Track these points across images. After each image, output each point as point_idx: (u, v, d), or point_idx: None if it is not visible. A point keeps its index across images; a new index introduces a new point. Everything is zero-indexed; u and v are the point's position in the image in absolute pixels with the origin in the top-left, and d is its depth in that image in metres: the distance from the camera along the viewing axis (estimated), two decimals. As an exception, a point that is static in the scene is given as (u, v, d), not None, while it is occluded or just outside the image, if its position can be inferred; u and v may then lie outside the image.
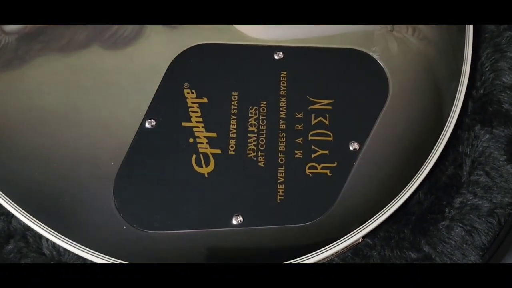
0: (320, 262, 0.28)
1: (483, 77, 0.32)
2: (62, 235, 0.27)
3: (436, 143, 0.29)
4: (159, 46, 0.30)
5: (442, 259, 0.28)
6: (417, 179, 0.28)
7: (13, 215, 0.29)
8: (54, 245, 0.29)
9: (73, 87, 0.29)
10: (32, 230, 0.29)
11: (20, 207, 0.27)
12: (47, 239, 0.29)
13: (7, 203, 0.27)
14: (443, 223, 0.29)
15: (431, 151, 0.29)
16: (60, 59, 0.29)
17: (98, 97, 0.29)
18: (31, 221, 0.27)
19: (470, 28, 0.31)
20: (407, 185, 0.28)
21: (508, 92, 0.31)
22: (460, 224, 0.29)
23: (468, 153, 0.30)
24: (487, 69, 0.32)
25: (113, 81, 0.29)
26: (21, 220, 0.28)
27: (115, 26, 0.30)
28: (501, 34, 0.33)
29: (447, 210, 0.29)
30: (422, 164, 0.28)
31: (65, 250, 0.29)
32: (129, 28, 0.30)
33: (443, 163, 0.31)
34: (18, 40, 0.30)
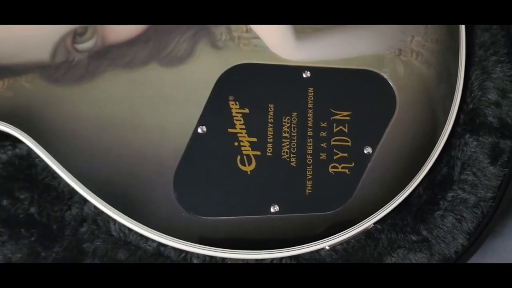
0: (329, 250, 0.30)
1: (472, 94, 0.33)
2: (130, 217, 0.29)
3: (433, 149, 0.31)
4: (208, 64, 0.32)
5: (437, 241, 0.31)
6: (418, 177, 0.31)
7: (85, 203, 0.32)
8: (120, 228, 0.31)
9: (136, 98, 0.31)
10: (102, 215, 0.31)
11: (98, 196, 0.30)
12: (115, 223, 0.31)
13: (86, 193, 0.30)
14: (438, 212, 0.31)
15: (429, 155, 0.31)
16: (124, 74, 0.31)
17: (157, 106, 0.31)
18: (105, 207, 0.30)
19: (463, 54, 0.33)
20: (409, 182, 0.30)
21: (493, 107, 0.33)
22: (452, 214, 0.31)
23: (459, 156, 0.32)
24: (475, 87, 0.33)
25: (170, 93, 0.31)
26: (91, 207, 0.31)
27: (171, 46, 0.32)
28: (487, 58, 0.34)
29: (441, 202, 0.31)
30: (422, 165, 0.31)
31: (130, 231, 0.31)
32: (182, 49, 0.32)
33: (438, 164, 0.33)
34: (88, 57, 0.32)
